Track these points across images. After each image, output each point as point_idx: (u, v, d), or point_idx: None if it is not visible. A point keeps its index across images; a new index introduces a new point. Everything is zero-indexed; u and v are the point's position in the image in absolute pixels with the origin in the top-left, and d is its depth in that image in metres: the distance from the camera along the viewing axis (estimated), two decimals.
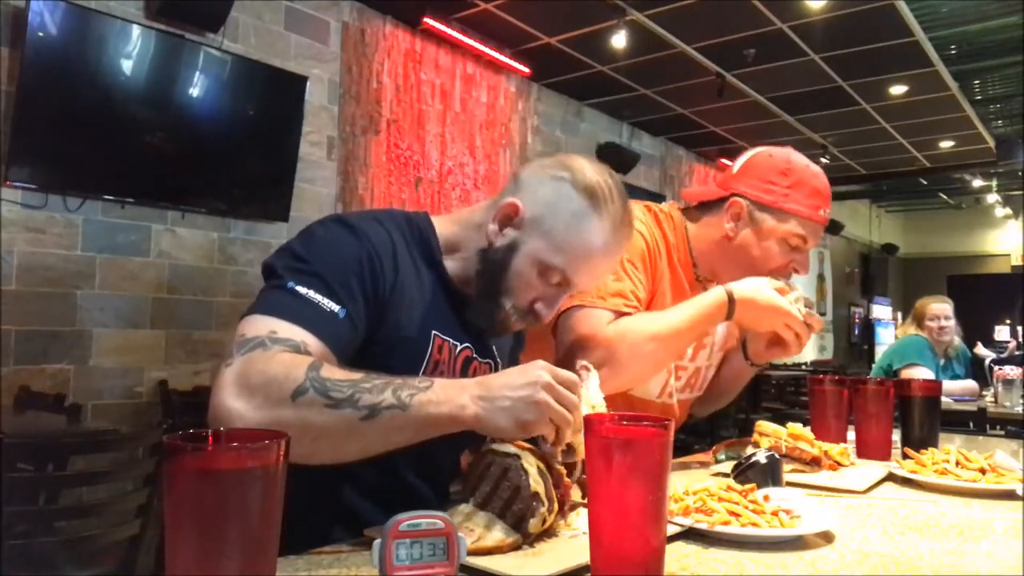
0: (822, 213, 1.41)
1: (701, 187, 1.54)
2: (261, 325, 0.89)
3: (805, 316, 1.33)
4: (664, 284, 1.43)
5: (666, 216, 1.48)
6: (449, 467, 1.05)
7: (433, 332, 1.05)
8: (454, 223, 1.14)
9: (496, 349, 1.18)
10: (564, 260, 1.04)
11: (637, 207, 1.40)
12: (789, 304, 1.32)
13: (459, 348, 1.09)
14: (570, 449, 0.92)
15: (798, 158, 1.44)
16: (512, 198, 1.06)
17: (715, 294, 1.32)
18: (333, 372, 0.85)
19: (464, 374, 1.10)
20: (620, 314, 1.31)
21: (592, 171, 1.07)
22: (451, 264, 1.11)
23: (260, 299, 0.94)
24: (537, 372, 0.86)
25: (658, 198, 7.23)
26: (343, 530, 0.95)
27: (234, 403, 0.83)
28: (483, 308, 1.08)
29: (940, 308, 3.84)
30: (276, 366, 0.84)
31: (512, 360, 1.25)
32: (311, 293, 0.92)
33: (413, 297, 1.03)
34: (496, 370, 1.16)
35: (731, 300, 1.31)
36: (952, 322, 3.86)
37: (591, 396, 1.00)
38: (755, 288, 1.32)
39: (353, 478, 1.00)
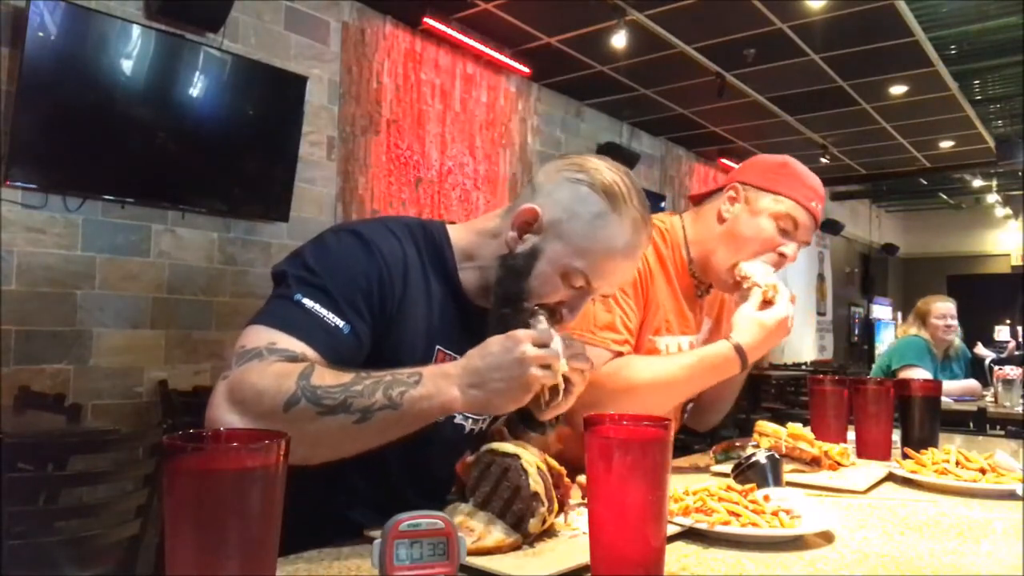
0: (815, 206, 1.42)
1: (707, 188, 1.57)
2: (262, 336, 0.90)
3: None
4: (661, 296, 1.45)
5: (659, 231, 1.49)
6: (445, 479, 1.05)
7: (437, 347, 1.04)
8: (470, 231, 1.12)
9: None
10: (586, 263, 1.02)
11: None
12: (785, 303, 1.33)
13: None
14: (556, 391, 0.90)
15: (797, 162, 1.49)
16: (530, 203, 1.04)
17: (719, 349, 1.31)
18: (324, 377, 0.85)
19: None
20: (613, 352, 1.31)
21: (609, 171, 1.06)
22: (466, 274, 1.09)
23: (266, 308, 0.94)
24: (520, 348, 0.86)
25: (658, 198, 7.23)
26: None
27: (227, 417, 0.84)
28: (503, 315, 1.05)
29: (945, 307, 3.85)
30: (267, 378, 0.85)
31: None
32: (317, 307, 0.92)
33: (419, 312, 1.02)
34: None
35: (741, 352, 1.30)
36: (955, 321, 3.88)
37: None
38: (757, 325, 1.31)
39: (347, 491, 1.01)
